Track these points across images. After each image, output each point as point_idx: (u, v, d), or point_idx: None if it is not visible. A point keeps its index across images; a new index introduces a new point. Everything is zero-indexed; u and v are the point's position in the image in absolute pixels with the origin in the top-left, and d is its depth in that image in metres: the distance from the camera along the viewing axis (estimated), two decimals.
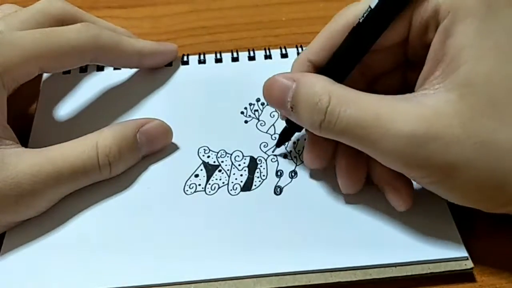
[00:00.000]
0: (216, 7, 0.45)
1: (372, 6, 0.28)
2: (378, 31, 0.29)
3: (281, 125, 0.35)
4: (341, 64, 0.30)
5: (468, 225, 0.31)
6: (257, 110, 0.36)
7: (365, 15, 0.29)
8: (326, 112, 0.27)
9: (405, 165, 0.27)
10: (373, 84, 0.33)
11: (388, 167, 0.28)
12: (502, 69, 0.26)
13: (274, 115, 0.36)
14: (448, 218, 0.30)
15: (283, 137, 0.34)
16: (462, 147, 0.25)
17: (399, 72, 0.32)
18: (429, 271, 0.28)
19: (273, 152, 0.34)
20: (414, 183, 0.30)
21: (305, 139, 0.34)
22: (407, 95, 0.27)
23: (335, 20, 0.31)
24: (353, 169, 0.31)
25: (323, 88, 0.28)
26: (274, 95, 0.30)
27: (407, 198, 0.30)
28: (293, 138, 0.34)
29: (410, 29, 0.29)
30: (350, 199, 0.31)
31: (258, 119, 0.36)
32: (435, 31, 0.27)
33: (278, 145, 0.34)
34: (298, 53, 0.40)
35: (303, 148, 0.33)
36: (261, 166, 0.33)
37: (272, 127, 0.35)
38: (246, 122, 0.36)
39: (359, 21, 0.29)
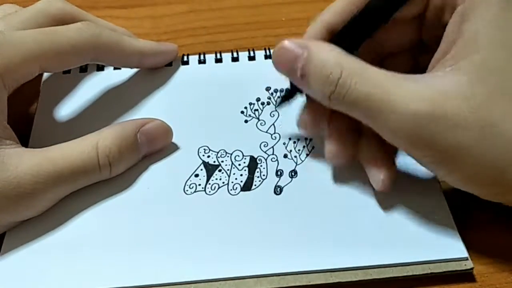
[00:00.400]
0: (216, 7, 0.45)
1: None
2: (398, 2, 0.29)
3: (280, 124, 0.35)
4: (356, 31, 0.30)
5: (468, 225, 0.31)
6: (257, 110, 0.36)
7: None
8: (337, 84, 0.27)
9: (410, 143, 0.27)
10: (383, 64, 0.32)
11: (374, 149, 0.29)
12: None
13: (274, 115, 0.36)
14: (448, 218, 0.30)
15: (285, 98, 0.34)
16: (468, 130, 0.25)
17: (410, 54, 0.32)
18: (429, 271, 0.28)
19: (276, 107, 0.35)
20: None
21: (305, 139, 0.34)
22: (417, 76, 0.28)
23: None
24: (342, 138, 0.31)
25: (335, 59, 0.28)
26: (284, 62, 0.30)
27: (386, 178, 0.29)
28: (293, 138, 0.34)
29: (427, 7, 0.29)
30: (350, 200, 0.31)
31: (258, 118, 0.36)
32: (451, 12, 0.28)
33: (280, 102, 0.34)
34: None
35: (303, 147, 0.33)
36: (261, 165, 0.33)
37: (272, 126, 0.35)
38: (246, 121, 0.36)
39: None
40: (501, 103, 0.26)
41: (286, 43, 0.30)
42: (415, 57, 0.32)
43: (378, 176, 0.30)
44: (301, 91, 0.33)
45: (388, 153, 0.30)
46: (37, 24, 0.34)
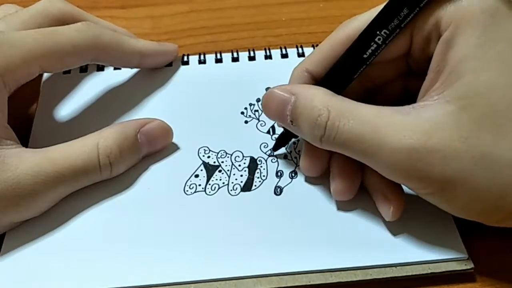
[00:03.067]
0: (216, 7, 0.45)
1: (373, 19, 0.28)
2: (378, 44, 0.29)
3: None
4: (340, 77, 0.30)
5: (469, 225, 0.31)
6: (257, 111, 0.36)
7: (365, 30, 0.29)
8: (326, 127, 0.27)
9: (403, 177, 0.27)
10: (374, 93, 0.32)
11: (380, 177, 0.28)
12: (503, 80, 0.25)
13: None
14: (449, 218, 0.30)
15: (280, 142, 0.34)
16: (460, 160, 0.25)
17: (401, 81, 0.32)
18: (429, 271, 0.28)
19: (270, 154, 0.34)
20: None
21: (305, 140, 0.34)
22: (406, 107, 0.27)
23: (335, 33, 0.31)
24: (347, 175, 0.30)
25: (322, 102, 0.28)
26: (273, 109, 0.30)
27: (396, 209, 0.29)
28: (294, 139, 0.34)
29: (412, 42, 0.29)
30: (350, 200, 0.31)
31: (258, 119, 0.36)
32: (436, 43, 0.27)
33: (274, 149, 0.34)
34: (298, 53, 0.40)
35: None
36: (261, 166, 0.33)
37: (272, 127, 0.35)
38: (246, 122, 0.36)
39: (360, 35, 0.29)
40: (490, 128, 0.25)
41: (274, 90, 0.30)
42: (406, 83, 0.32)
43: (387, 208, 0.29)
44: (296, 136, 0.33)
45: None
46: (38, 24, 0.34)
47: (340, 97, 0.28)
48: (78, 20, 0.34)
